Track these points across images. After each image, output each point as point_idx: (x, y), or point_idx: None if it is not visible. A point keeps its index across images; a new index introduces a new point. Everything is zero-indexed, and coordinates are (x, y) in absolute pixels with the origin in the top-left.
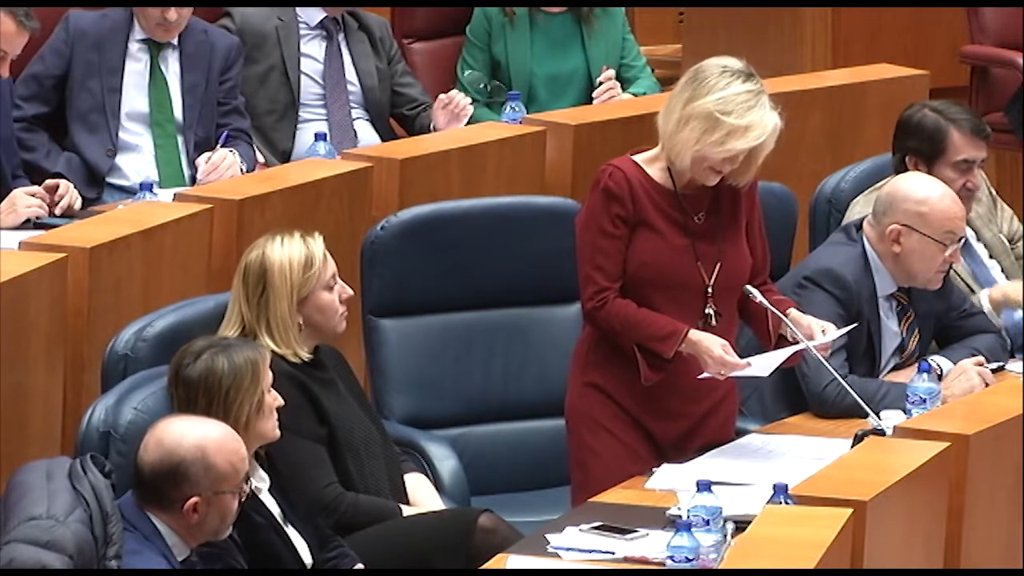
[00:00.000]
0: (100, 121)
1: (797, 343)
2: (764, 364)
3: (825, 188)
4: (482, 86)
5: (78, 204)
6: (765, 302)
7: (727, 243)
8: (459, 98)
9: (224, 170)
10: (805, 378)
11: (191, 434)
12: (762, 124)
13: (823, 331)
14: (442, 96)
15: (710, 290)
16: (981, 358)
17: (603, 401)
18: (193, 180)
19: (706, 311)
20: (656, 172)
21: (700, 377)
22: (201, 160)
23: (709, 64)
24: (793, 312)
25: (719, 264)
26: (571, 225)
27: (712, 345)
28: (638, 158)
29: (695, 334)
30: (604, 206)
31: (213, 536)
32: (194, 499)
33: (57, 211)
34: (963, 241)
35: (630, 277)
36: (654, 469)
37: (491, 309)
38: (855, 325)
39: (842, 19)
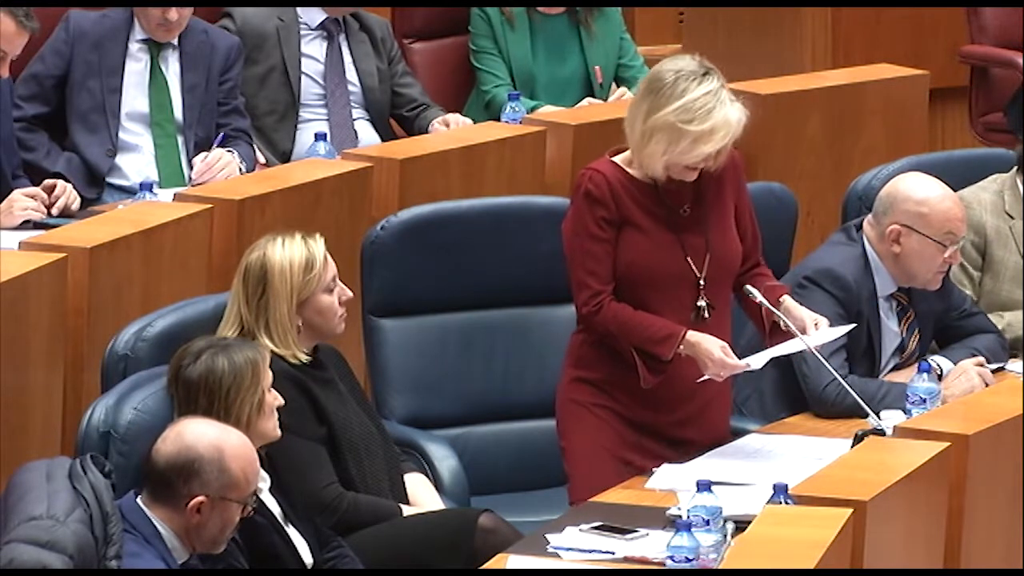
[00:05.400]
0: (100, 121)
1: (790, 332)
2: (759, 359)
3: (857, 186)
4: None
5: (76, 205)
6: (765, 302)
7: (715, 232)
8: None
9: (218, 170)
10: (805, 378)
11: (212, 434)
12: (726, 124)
13: (816, 325)
14: (436, 122)
15: (702, 282)
16: (981, 358)
17: (590, 390)
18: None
19: (698, 303)
20: (636, 170)
21: (699, 380)
22: (197, 160)
23: (663, 71)
24: (788, 302)
25: (708, 255)
26: None
27: (712, 348)
28: (617, 158)
29: (693, 335)
30: (588, 210)
31: (210, 545)
32: (200, 498)
33: (54, 211)
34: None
35: (620, 277)
36: (654, 470)
37: (491, 309)
38: (853, 326)
39: (842, 19)
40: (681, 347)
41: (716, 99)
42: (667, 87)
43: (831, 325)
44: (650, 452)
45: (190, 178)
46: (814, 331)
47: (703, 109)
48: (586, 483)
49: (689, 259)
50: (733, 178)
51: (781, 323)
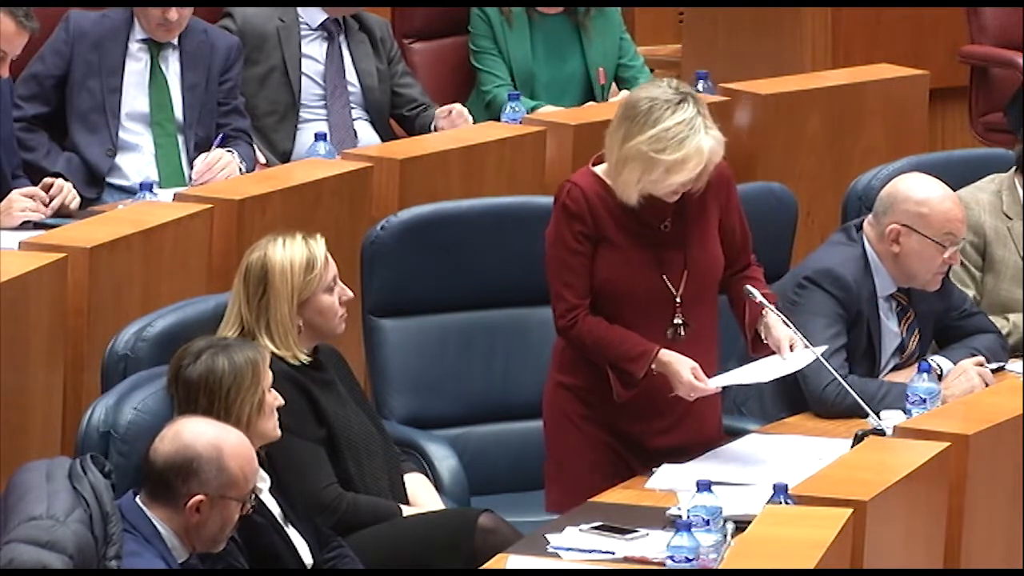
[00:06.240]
0: (100, 121)
1: (770, 347)
2: (729, 380)
3: (857, 186)
4: None
5: (74, 204)
6: (765, 302)
7: (695, 249)
8: (460, 116)
9: (219, 170)
10: (805, 378)
11: (210, 433)
12: (698, 153)
13: (791, 347)
14: (440, 109)
15: (679, 300)
16: (981, 358)
17: (575, 400)
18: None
19: (675, 321)
20: None
21: (671, 395)
22: (198, 160)
23: (638, 98)
24: (769, 318)
25: (686, 272)
26: None
27: (682, 369)
28: (599, 169)
29: (666, 355)
30: (566, 224)
31: (211, 544)
32: (199, 497)
33: (48, 211)
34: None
35: (596, 292)
36: (654, 470)
37: (491, 309)
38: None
39: (842, 19)
40: (653, 366)
41: (690, 128)
42: (641, 115)
43: (831, 325)
44: (634, 473)
45: (190, 178)
46: (789, 353)
47: (676, 138)
48: (561, 502)
49: (665, 277)
50: (719, 190)
51: (761, 331)
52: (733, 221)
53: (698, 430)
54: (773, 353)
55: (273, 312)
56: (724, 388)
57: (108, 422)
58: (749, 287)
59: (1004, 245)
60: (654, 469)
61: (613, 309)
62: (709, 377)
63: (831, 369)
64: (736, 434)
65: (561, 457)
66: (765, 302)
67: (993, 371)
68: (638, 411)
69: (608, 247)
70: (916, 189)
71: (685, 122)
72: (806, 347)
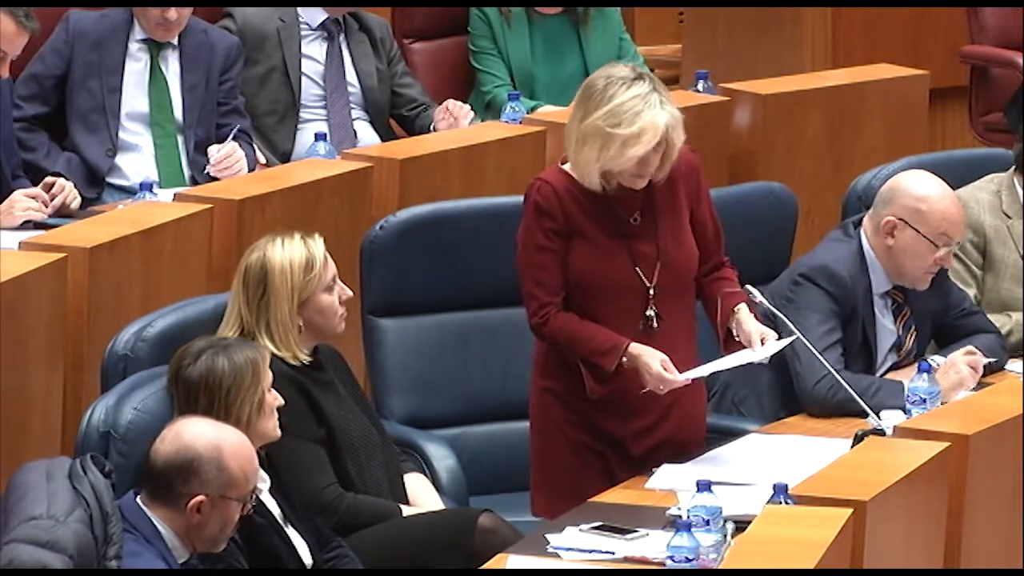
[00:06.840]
0: (100, 121)
1: (742, 343)
2: (701, 372)
3: (857, 186)
4: None
5: (76, 203)
6: (765, 302)
7: (667, 240)
8: (458, 107)
9: (235, 161)
10: (798, 376)
11: (210, 433)
12: (653, 126)
13: (762, 340)
14: (437, 110)
15: (652, 291)
16: (972, 347)
17: (559, 405)
18: (193, 180)
19: (647, 313)
20: None
21: (642, 392)
22: (213, 149)
23: (595, 78)
24: (742, 312)
25: (659, 263)
26: None
27: (651, 361)
28: (567, 166)
29: (635, 348)
30: (536, 222)
31: (211, 544)
32: (200, 498)
33: (49, 210)
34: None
35: (571, 287)
36: (654, 470)
37: (490, 309)
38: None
39: (842, 19)
40: (624, 359)
41: (644, 103)
42: (597, 93)
43: (825, 322)
44: (618, 477)
45: (191, 178)
46: (760, 346)
47: (630, 112)
48: (547, 506)
49: (638, 268)
50: (689, 180)
51: (734, 330)
52: (704, 213)
53: (681, 428)
54: (745, 348)
55: (273, 312)
56: (715, 388)
57: (108, 422)
58: (749, 286)
59: (1004, 244)
60: (653, 470)
61: (587, 302)
62: (686, 370)
63: (823, 361)
64: (736, 434)
65: (547, 461)
66: (766, 302)
67: (991, 369)
68: (620, 411)
69: (581, 240)
70: (917, 185)
71: (640, 96)
72: (779, 338)
